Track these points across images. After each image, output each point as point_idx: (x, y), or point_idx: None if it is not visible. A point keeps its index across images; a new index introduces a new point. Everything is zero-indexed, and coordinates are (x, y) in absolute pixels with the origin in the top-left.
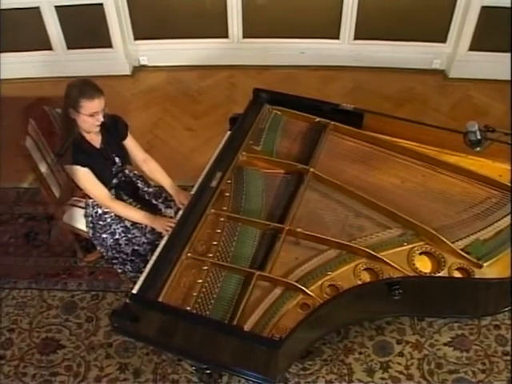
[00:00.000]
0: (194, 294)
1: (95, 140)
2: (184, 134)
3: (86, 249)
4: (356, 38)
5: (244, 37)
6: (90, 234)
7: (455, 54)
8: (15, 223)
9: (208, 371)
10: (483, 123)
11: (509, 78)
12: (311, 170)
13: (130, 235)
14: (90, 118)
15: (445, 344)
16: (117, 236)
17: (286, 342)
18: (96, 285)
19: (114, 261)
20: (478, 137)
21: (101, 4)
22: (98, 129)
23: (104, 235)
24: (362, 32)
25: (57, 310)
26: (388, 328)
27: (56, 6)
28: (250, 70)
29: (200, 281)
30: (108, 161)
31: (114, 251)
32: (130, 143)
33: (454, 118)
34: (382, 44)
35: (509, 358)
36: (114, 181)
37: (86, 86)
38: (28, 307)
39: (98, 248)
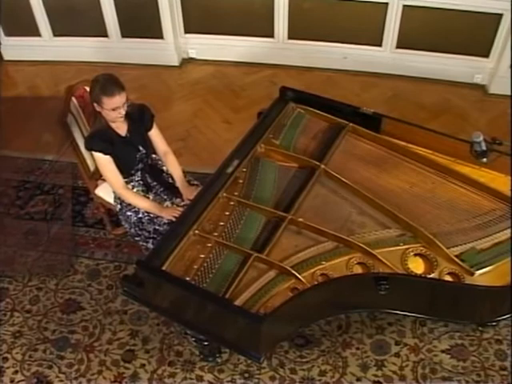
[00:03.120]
0: (195, 267)
1: (121, 128)
2: (221, 125)
3: (116, 224)
4: (398, 46)
5: (289, 38)
6: (117, 209)
7: (497, 69)
8: (55, 193)
9: (206, 343)
10: None
11: None
12: (322, 166)
13: (152, 215)
14: (112, 112)
15: (443, 351)
16: (140, 215)
17: (269, 318)
18: (120, 256)
19: (137, 238)
20: (483, 148)
21: None
22: (121, 119)
23: (129, 213)
24: (405, 41)
25: (82, 275)
26: (389, 328)
27: None
28: (292, 71)
29: (202, 256)
30: (132, 148)
31: (136, 228)
32: (154, 134)
33: (490, 133)
34: (424, 54)
35: (505, 372)
36: (139, 166)
37: (107, 83)
38: (56, 270)
39: (123, 223)
